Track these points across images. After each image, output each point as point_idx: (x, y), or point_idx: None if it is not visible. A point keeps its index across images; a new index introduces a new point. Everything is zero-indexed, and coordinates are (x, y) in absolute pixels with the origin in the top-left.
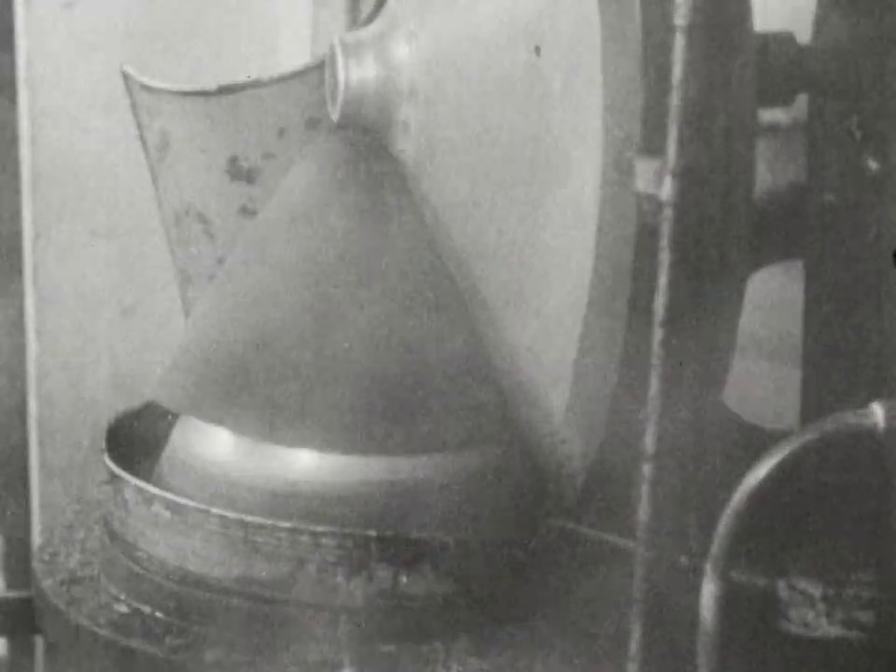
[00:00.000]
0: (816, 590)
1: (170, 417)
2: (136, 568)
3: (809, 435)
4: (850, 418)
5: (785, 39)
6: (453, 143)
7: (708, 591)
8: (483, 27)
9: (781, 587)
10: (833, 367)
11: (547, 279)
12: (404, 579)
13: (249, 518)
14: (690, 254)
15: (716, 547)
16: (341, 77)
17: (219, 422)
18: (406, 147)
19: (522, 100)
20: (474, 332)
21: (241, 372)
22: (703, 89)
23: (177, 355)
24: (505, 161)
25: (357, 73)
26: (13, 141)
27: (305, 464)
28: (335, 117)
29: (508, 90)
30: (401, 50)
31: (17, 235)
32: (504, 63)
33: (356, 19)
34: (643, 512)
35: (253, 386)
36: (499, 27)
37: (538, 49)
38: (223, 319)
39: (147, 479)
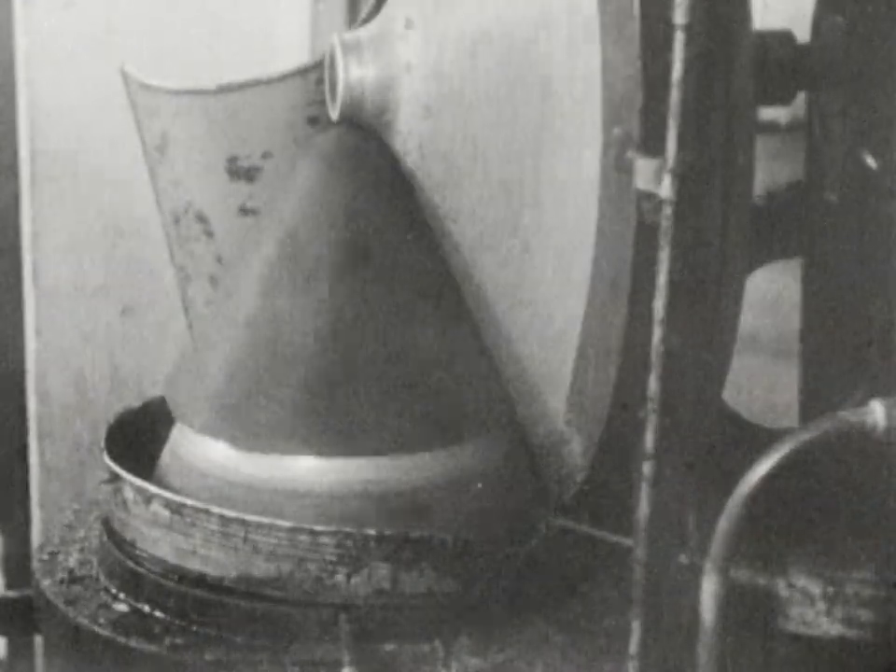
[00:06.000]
0: (816, 588)
1: (170, 417)
2: (136, 568)
3: (809, 434)
4: (850, 417)
5: (785, 39)
6: (454, 141)
7: (708, 589)
8: (486, 28)
9: (781, 585)
10: (832, 365)
11: (547, 278)
12: (404, 578)
13: (249, 517)
14: (690, 252)
15: (716, 546)
16: (340, 75)
17: (216, 435)
18: (406, 144)
19: (524, 100)
20: (475, 331)
21: (237, 380)
22: (702, 87)
23: (178, 362)
24: (507, 159)
25: (356, 71)
26: (12, 141)
27: (305, 464)
28: (335, 115)
29: (510, 92)
30: (401, 49)
31: (16, 235)
32: (508, 66)
33: (355, 18)
34: (643, 512)
35: (249, 395)
36: (504, 28)
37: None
38: (223, 325)
39: (147, 479)
